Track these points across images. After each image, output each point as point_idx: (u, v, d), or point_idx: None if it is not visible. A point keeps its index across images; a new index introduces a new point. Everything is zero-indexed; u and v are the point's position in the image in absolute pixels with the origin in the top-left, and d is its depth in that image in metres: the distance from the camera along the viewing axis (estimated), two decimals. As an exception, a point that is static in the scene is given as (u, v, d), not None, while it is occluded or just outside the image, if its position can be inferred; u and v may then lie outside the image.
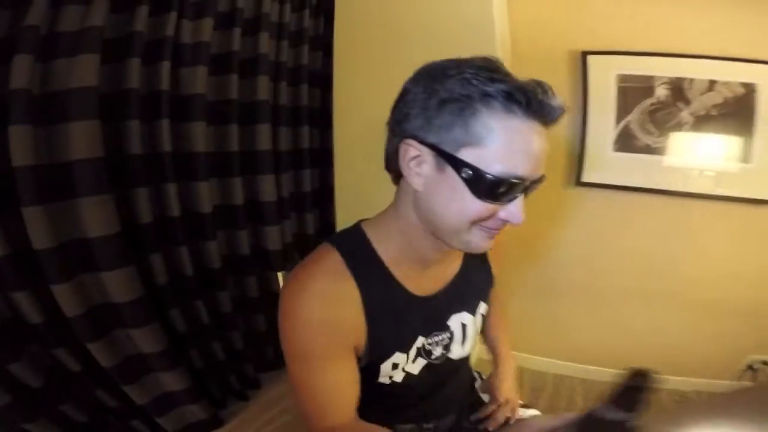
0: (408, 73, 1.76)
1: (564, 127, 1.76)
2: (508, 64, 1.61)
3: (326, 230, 2.10)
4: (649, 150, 1.68)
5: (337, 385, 0.68)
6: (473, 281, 0.83)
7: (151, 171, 1.31)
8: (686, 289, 1.85)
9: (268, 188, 1.66)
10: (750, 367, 1.83)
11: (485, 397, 1.04)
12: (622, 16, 1.74)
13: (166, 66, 1.28)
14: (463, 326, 0.81)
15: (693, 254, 1.79)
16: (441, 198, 0.59)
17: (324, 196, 2.06)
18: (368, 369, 0.72)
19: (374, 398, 0.80)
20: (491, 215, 0.58)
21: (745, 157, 1.62)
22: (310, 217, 2.01)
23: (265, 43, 1.55)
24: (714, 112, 1.62)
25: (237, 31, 1.47)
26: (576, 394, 2.05)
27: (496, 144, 0.54)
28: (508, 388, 0.98)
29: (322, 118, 1.95)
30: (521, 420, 0.93)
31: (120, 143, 1.22)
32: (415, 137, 0.58)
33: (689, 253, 1.79)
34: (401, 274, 0.70)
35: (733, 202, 1.66)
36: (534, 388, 2.12)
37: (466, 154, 0.55)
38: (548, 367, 2.20)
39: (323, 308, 0.63)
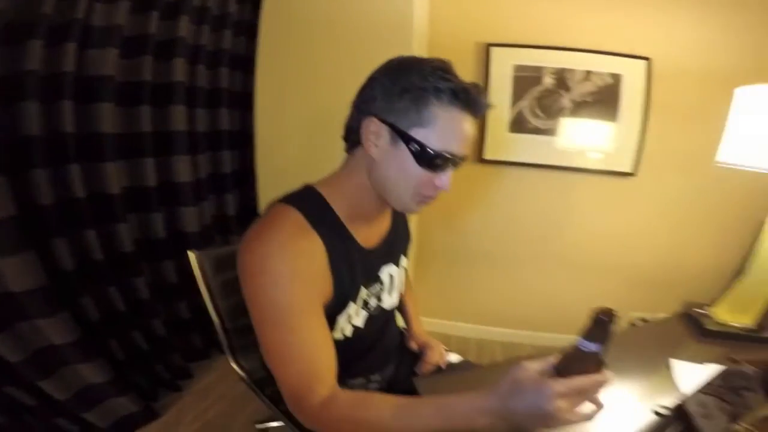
0: (332, 59, 1.82)
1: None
2: (424, 54, 1.72)
3: (247, 211, 2.07)
4: (538, 131, 1.89)
5: (317, 346, 0.68)
6: (398, 237, 0.94)
7: (53, 152, 1.23)
8: (573, 252, 2.10)
9: (183, 169, 1.62)
10: (632, 324, 2.03)
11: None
12: (520, 13, 1.92)
13: (72, 48, 1.20)
14: (391, 277, 0.91)
15: (577, 220, 2.03)
16: (393, 166, 0.70)
17: (245, 178, 2.03)
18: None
19: None
20: (428, 183, 0.71)
21: (613, 137, 1.88)
22: (230, 198, 1.99)
23: (184, 26, 1.50)
24: (589, 99, 1.86)
25: (154, 15, 1.41)
26: (497, 356, 2.22)
27: (439, 127, 0.67)
28: (426, 335, 1.12)
29: (243, 100, 1.91)
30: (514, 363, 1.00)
31: (18, 124, 1.14)
32: (377, 116, 0.69)
33: (573, 219, 2.03)
34: (353, 228, 0.78)
35: (605, 174, 1.92)
36: (459, 352, 2.25)
37: (415, 133, 0.67)
38: (471, 332, 2.37)
39: (298, 262, 0.67)
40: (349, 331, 0.82)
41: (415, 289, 2.34)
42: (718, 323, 1.15)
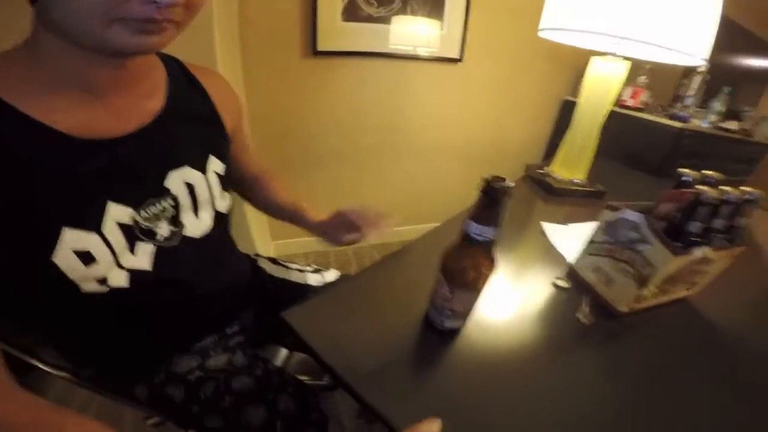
0: None
1: (297, 2, 1.46)
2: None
3: None
4: (371, 19, 1.55)
5: None
6: (191, 126, 0.56)
7: None
8: (416, 135, 1.94)
9: None
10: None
11: (292, 274, 0.86)
12: None
13: None
14: (190, 187, 0.55)
15: (415, 106, 1.86)
16: None
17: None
18: (42, 272, 0.42)
19: (117, 321, 0.54)
20: None
21: (441, 26, 1.66)
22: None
23: None
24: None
25: None
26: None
27: None
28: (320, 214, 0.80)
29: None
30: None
31: None
32: None
33: (412, 105, 1.85)
34: (44, 109, 0.41)
35: (436, 61, 1.74)
36: (340, 267, 2.02)
37: None
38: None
39: None
40: (122, 280, 0.48)
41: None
42: (561, 181, 1.12)
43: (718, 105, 1.95)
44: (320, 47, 1.53)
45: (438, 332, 0.54)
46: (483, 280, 0.47)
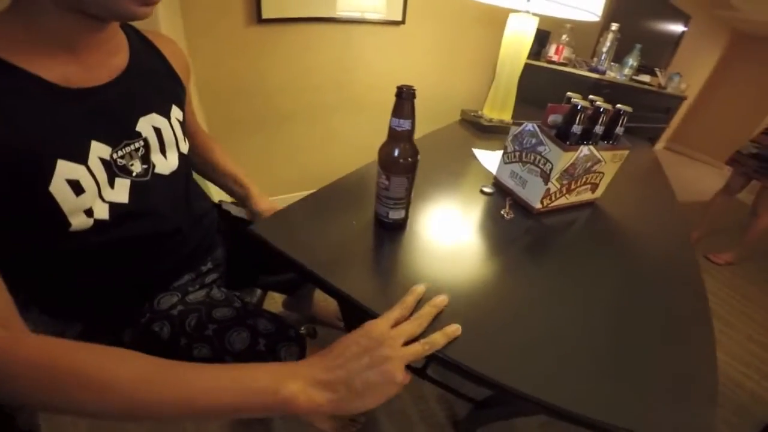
0: None
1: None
2: None
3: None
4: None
5: None
6: (153, 80, 0.65)
7: None
8: (364, 94, 2.02)
9: None
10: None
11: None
12: None
13: None
14: (157, 131, 0.63)
15: (361, 66, 1.94)
16: None
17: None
18: (38, 207, 0.49)
19: (100, 261, 0.59)
20: None
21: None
22: None
23: None
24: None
25: None
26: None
27: None
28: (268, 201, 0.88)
29: None
30: None
31: None
32: None
33: (358, 65, 1.93)
34: (33, 63, 0.48)
35: (380, 24, 1.83)
36: None
37: None
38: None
39: None
40: (103, 212, 0.56)
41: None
42: (491, 121, 1.27)
43: (631, 60, 2.19)
44: (265, 15, 1.54)
45: (386, 226, 0.66)
46: (409, 164, 0.59)
